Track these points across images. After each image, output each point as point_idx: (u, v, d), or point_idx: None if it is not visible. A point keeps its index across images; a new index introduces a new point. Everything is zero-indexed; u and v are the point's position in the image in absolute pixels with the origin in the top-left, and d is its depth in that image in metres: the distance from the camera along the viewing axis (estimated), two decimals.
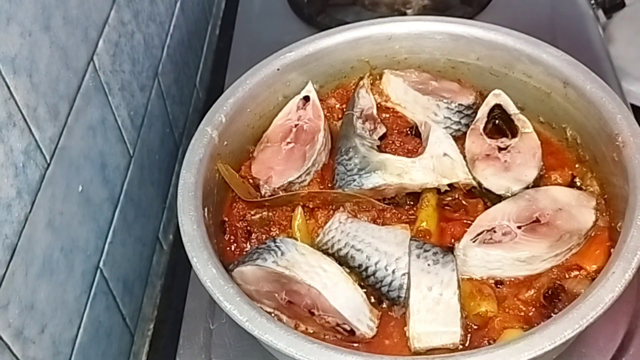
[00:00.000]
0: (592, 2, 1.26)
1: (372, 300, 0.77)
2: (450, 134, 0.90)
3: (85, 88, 0.85)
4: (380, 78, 0.99)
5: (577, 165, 0.87)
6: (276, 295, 0.75)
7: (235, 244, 0.84)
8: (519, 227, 0.78)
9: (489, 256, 0.76)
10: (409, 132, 0.94)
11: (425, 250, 0.77)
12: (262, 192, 0.87)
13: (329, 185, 0.87)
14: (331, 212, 0.84)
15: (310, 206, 0.85)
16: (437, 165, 0.86)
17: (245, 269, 0.75)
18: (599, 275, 0.70)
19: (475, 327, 0.74)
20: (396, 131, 0.94)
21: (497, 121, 0.92)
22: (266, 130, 0.94)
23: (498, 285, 0.77)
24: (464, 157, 0.88)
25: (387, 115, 0.96)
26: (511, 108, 0.92)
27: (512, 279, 0.77)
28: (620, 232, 0.73)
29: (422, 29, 0.97)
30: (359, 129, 0.90)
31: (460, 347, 0.72)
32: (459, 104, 0.93)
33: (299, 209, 0.84)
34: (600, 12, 1.29)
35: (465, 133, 0.91)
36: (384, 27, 0.97)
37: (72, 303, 0.81)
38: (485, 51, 0.94)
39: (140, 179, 1.02)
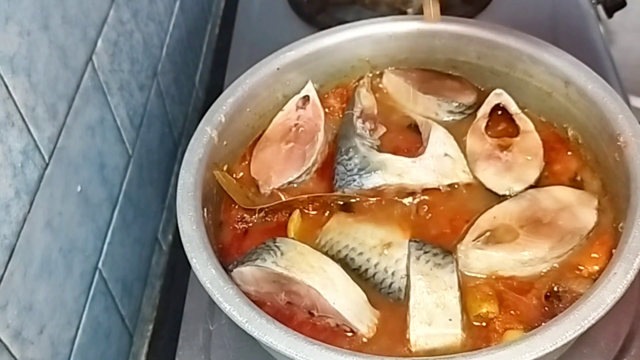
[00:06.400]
0: (593, 0, 1.26)
1: (372, 301, 0.77)
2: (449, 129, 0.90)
3: (84, 87, 0.85)
4: (381, 77, 0.99)
5: (578, 165, 0.87)
6: (276, 296, 0.75)
7: (234, 245, 0.84)
8: (521, 227, 0.78)
9: (491, 257, 0.76)
10: (409, 126, 0.94)
11: (425, 252, 0.77)
12: (262, 192, 0.87)
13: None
14: (330, 213, 0.84)
15: (310, 209, 0.84)
16: (437, 165, 0.85)
17: (244, 269, 0.75)
18: (600, 276, 0.69)
19: (476, 328, 0.74)
20: (397, 129, 0.93)
21: (498, 120, 0.92)
22: (266, 129, 0.93)
23: (499, 286, 0.76)
24: (465, 156, 0.87)
25: (388, 115, 0.95)
26: (512, 107, 0.92)
27: (514, 280, 0.76)
28: (622, 232, 0.73)
29: (422, 28, 0.97)
30: (359, 128, 0.90)
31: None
32: (460, 103, 0.93)
33: (297, 212, 0.83)
34: (602, 12, 1.28)
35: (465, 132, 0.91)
36: (385, 26, 0.97)
37: (71, 304, 0.80)
38: (486, 50, 0.94)
39: (139, 179, 1.02)
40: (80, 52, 0.84)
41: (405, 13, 1.25)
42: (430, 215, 0.83)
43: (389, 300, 0.76)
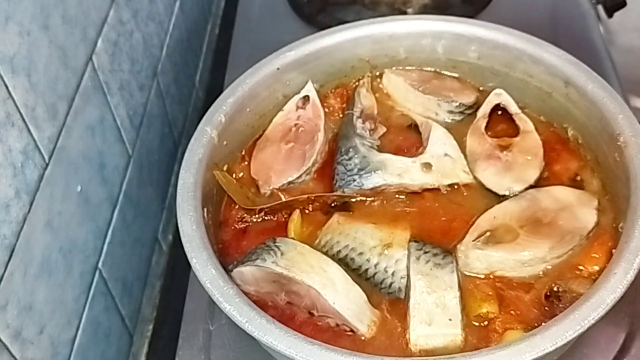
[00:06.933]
0: (593, 0, 1.26)
1: (372, 301, 0.77)
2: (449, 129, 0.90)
3: (84, 87, 0.85)
4: (381, 77, 0.99)
5: (578, 165, 0.87)
6: (276, 296, 0.75)
7: (234, 245, 0.84)
8: (521, 228, 0.78)
9: (491, 257, 0.76)
10: (409, 126, 0.94)
11: (425, 252, 0.76)
12: (262, 192, 0.87)
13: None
14: (329, 213, 0.84)
15: (310, 209, 0.84)
16: (437, 165, 0.85)
17: (244, 269, 0.75)
18: (600, 276, 0.70)
19: (476, 328, 0.74)
20: (397, 129, 0.93)
21: (498, 120, 0.92)
22: (266, 129, 0.93)
23: (499, 286, 0.76)
24: (465, 156, 0.87)
25: (388, 115, 0.95)
26: (512, 107, 0.92)
27: (514, 280, 0.76)
28: (622, 232, 0.73)
29: (422, 28, 0.97)
30: (359, 128, 0.90)
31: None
32: (460, 103, 0.93)
33: (297, 212, 0.84)
34: (602, 12, 1.28)
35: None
36: (385, 26, 0.97)
37: (71, 304, 0.80)
38: (486, 50, 0.94)
39: (139, 179, 1.02)
40: (80, 52, 0.84)
41: (405, 13, 1.25)
42: (430, 215, 0.83)
43: (389, 300, 0.76)
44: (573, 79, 0.87)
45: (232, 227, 0.85)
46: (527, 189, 0.83)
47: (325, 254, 0.78)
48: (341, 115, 0.95)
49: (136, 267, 1.01)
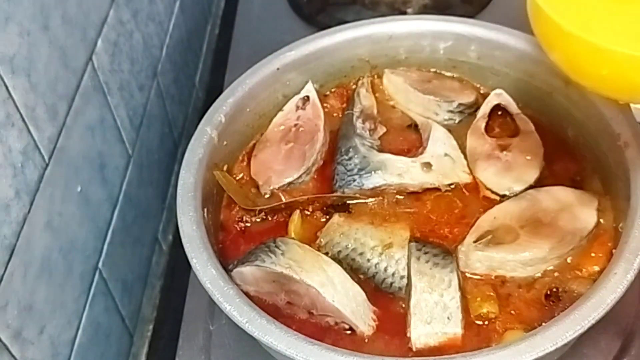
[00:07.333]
0: None
1: (372, 300, 0.77)
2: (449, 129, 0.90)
3: (84, 88, 0.85)
4: (381, 77, 0.99)
5: (578, 165, 0.87)
6: (275, 296, 0.75)
7: (234, 245, 0.84)
8: (521, 228, 0.78)
9: (491, 257, 0.76)
10: (409, 126, 0.94)
11: (425, 252, 0.77)
12: (262, 192, 0.87)
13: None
14: (329, 214, 0.84)
15: (310, 210, 0.84)
16: (437, 165, 0.85)
17: (244, 269, 0.75)
18: (600, 276, 0.70)
19: (477, 328, 0.74)
20: (397, 129, 0.93)
21: (498, 121, 0.92)
22: (266, 130, 0.93)
23: (499, 286, 0.76)
24: (465, 156, 0.87)
25: (388, 115, 0.95)
26: (512, 107, 0.92)
27: (514, 280, 0.76)
28: (622, 232, 0.73)
29: (422, 28, 0.97)
30: (359, 128, 0.90)
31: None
32: (460, 104, 0.93)
33: (297, 212, 0.84)
34: None
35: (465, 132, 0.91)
36: (384, 27, 0.97)
37: (71, 304, 0.80)
38: (486, 50, 0.94)
39: (139, 179, 1.02)
40: (80, 52, 0.84)
41: (405, 13, 1.25)
42: (430, 215, 0.83)
43: (389, 300, 0.76)
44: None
45: (232, 228, 0.85)
46: (527, 189, 0.83)
47: (326, 254, 0.78)
48: (341, 115, 0.95)
49: (136, 267, 1.01)
